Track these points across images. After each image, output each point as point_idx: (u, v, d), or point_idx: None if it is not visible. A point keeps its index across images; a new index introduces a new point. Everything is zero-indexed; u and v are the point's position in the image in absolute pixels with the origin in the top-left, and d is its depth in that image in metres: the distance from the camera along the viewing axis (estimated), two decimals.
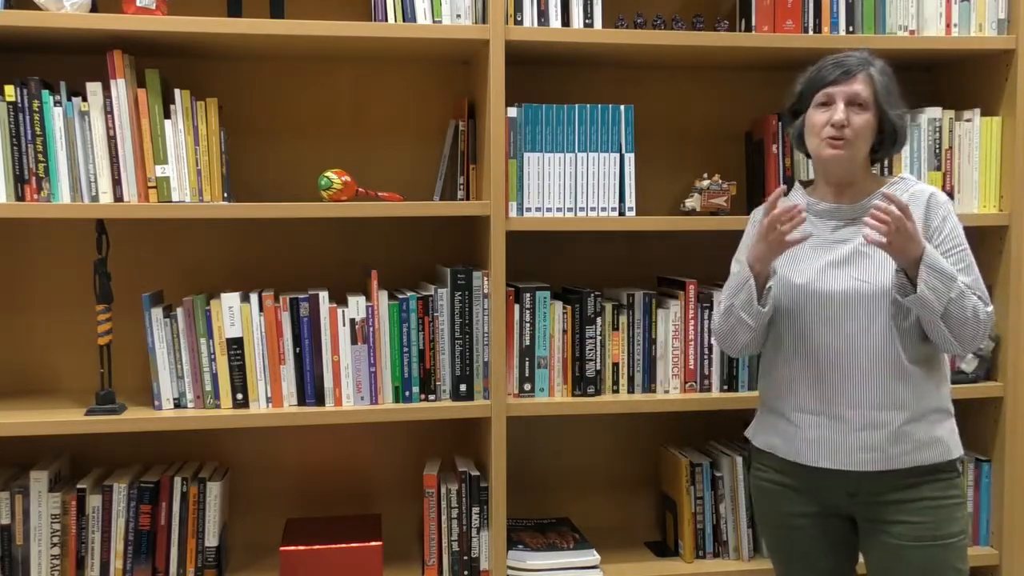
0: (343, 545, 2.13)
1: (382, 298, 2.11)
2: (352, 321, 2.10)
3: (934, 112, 2.31)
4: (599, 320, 2.20)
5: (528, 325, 2.17)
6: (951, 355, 1.78)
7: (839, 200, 1.88)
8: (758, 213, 1.99)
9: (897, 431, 1.78)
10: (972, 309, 1.73)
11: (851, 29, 2.26)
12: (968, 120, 2.32)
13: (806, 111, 1.85)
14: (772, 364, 1.90)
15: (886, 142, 1.84)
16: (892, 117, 1.81)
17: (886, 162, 2.29)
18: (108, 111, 2.01)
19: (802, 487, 1.87)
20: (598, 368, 2.20)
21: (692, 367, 2.24)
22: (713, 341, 2.21)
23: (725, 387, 2.26)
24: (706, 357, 2.25)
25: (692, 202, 2.29)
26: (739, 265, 1.92)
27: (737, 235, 2.53)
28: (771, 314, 1.85)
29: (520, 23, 2.13)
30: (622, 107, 2.18)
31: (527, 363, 2.18)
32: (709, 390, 2.26)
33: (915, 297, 1.71)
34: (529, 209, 2.16)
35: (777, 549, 1.95)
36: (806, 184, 1.98)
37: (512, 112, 2.13)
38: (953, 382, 2.29)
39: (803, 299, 1.83)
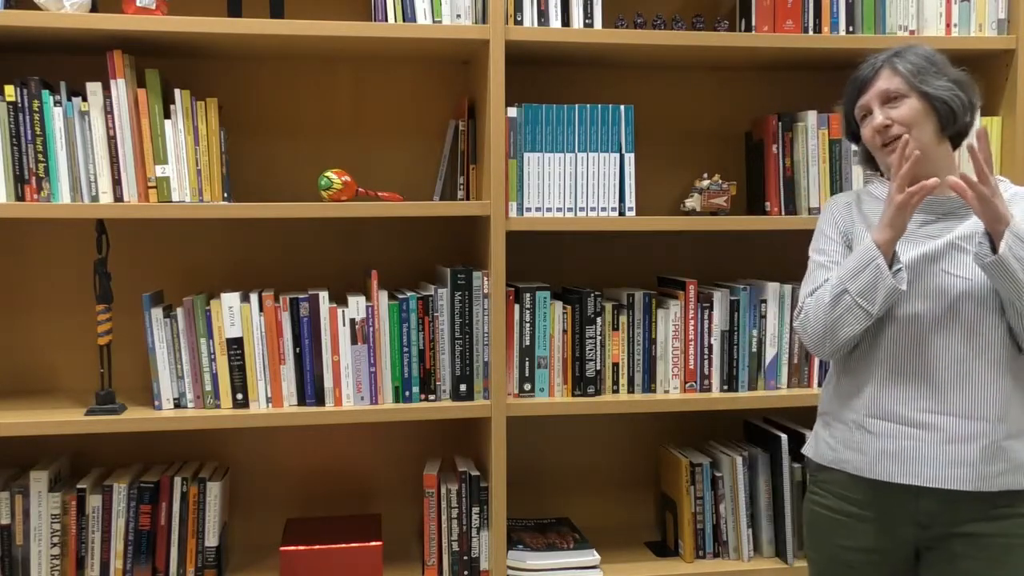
0: (343, 545, 2.13)
1: (382, 298, 2.11)
2: (352, 321, 2.10)
3: None
4: (599, 320, 2.20)
5: (528, 325, 2.17)
6: None
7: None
8: (839, 201, 1.82)
9: (995, 446, 1.59)
10: None
11: (851, 29, 2.26)
12: None
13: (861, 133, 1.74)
14: (844, 366, 1.74)
15: (944, 121, 1.67)
16: (933, 92, 1.65)
17: None
18: (108, 111, 2.01)
19: (867, 515, 1.68)
20: (598, 368, 2.20)
21: (692, 367, 2.24)
22: (802, 338, 1.79)
23: (725, 387, 2.26)
24: (706, 357, 2.25)
25: (692, 202, 2.29)
26: (823, 256, 1.77)
27: (737, 235, 2.54)
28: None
29: (520, 23, 2.13)
30: (622, 107, 2.18)
31: (527, 363, 2.18)
32: (709, 390, 2.26)
33: (995, 260, 1.52)
34: (529, 209, 2.16)
35: None
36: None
37: (512, 112, 2.13)
38: None
39: None
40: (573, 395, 2.21)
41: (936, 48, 2.22)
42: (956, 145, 1.73)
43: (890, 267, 1.63)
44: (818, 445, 1.78)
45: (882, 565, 1.69)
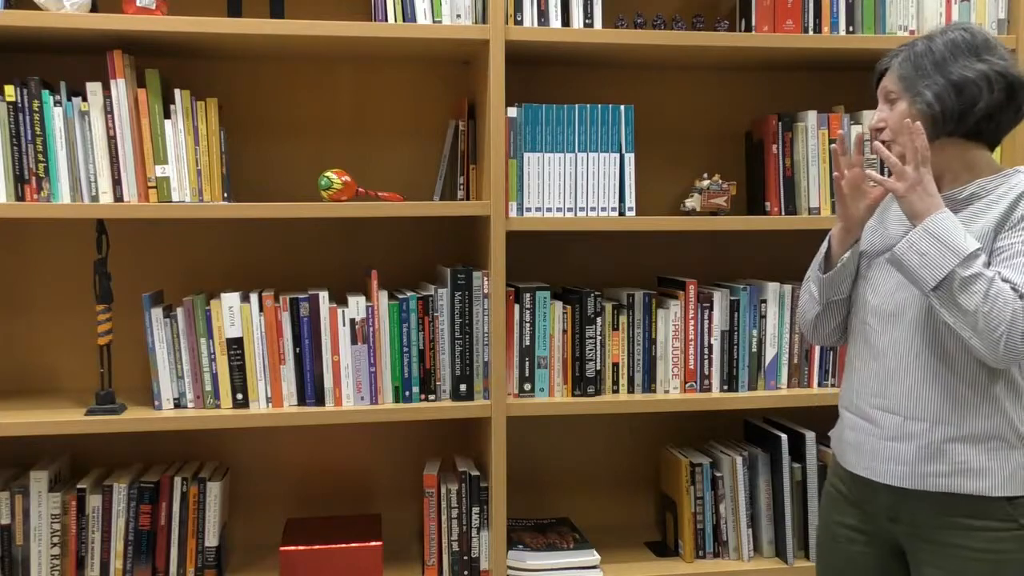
0: (343, 545, 2.13)
1: (382, 298, 2.11)
2: (352, 321, 2.10)
3: None
4: (599, 320, 2.20)
5: (528, 325, 2.17)
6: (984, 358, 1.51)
7: (940, 190, 1.66)
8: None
9: (933, 447, 1.57)
10: (988, 296, 1.45)
11: (851, 29, 2.26)
12: None
13: None
14: (846, 358, 1.79)
15: (938, 119, 1.58)
16: (921, 92, 1.58)
17: None
18: (108, 111, 2.01)
19: (853, 498, 1.72)
20: (598, 368, 2.20)
21: (692, 367, 2.24)
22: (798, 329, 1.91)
23: (725, 387, 2.26)
24: (706, 357, 2.25)
25: (692, 202, 2.29)
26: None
27: (737, 235, 2.54)
28: (838, 292, 1.71)
29: (520, 23, 2.13)
30: (622, 107, 2.18)
31: (527, 363, 2.17)
32: (709, 390, 2.26)
33: (890, 255, 1.54)
34: (529, 209, 2.16)
35: (817, 560, 1.80)
36: None
37: (512, 112, 2.13)
38: None
39: (863, 288, 1.71)
40: (573, 395, 2.21)
41: None
42: (993, 144, 1.64)
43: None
44: (833, 430, 1.83)
45: (866, 546, 1.70)
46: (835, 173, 1.69)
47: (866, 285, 1.71)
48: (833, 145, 1.70)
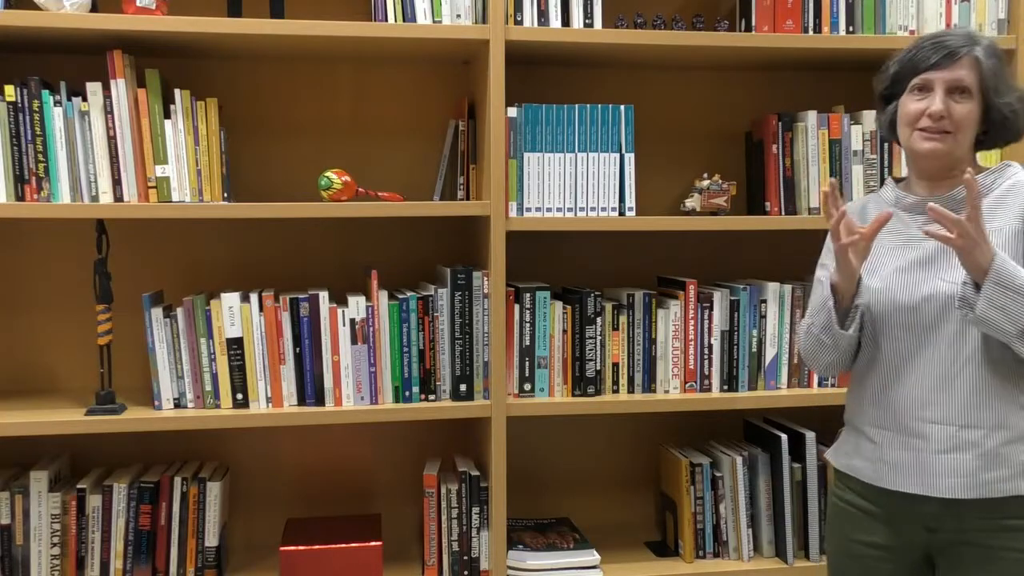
0: (343, 545, 2.13)
1: (382, 298, 2.11)
2: (352, 321, 2.10)
3: None
4: (599, 320, 2.20)
5: (528, 325, 2.17)
6: None
7: (931, 192, 1.67)
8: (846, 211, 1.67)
9: (992, 453, 1.55)
10: None
11: (851, 29, 2.26)
12: None
13: (900, 96, 1.65)
14: (856, 376, 1.74)
15: (992, 133, 1.62)
16: (1000, 106, 1.59)
17: None
18: (108, 111, 2.01)
19: (881, 515, 1.67)
20: (598, 368, 2.20)
21: (692, 367, 2.24)
22: (799, 354, 1.91)
23: (725, 387, 2.26)
24: (706, 357, 2.25)
25: (692, 202, 2.29)
26: (823, 271, 1.76)
27: (737, 235, 2.54)
28: (858, 334, 1.67)
29: (520, 23, 2.13)
30: (622, 107, 2.18)
31: (527, 363, 2.18)
32: (709, 390, 2.26)
33: (975, 319, 1.50)
34: (529, 209, 2.16)
35: None
36: (899, 178, 1.78)
37: (512, 112, 2.13)
38: None
39: (882, 303, 1.65)
40: (573, 395, 2.21)
41: None
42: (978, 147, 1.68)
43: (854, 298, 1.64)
44: (837, 449, 1.78)
45: (890, 562, 1.67)
46: (843, 242, 1.57)
47: (888, 315, 1.66)
48: (843, 208, 1.59)
